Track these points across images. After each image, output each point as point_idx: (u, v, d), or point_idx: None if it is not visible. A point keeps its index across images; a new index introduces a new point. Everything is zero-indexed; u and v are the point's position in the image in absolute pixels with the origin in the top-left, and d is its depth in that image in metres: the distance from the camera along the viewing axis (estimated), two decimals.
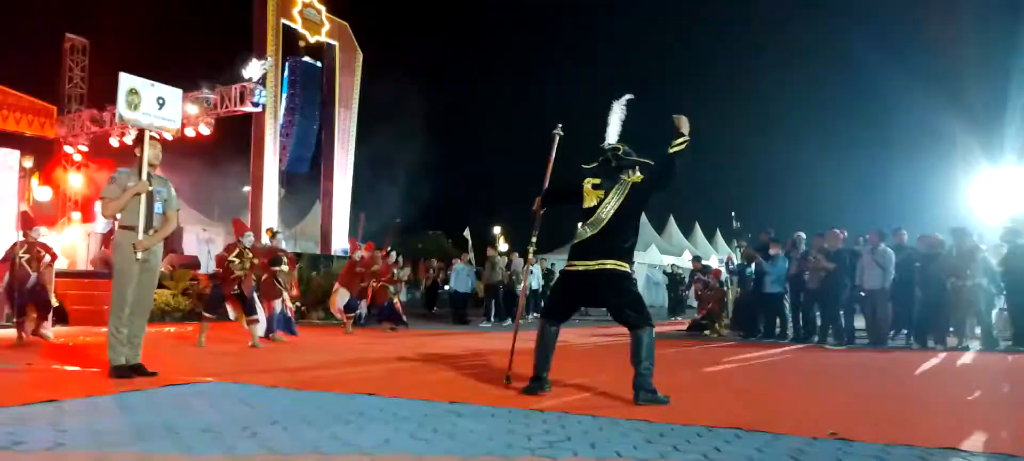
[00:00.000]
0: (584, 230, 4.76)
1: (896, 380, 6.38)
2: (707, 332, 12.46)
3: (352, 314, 11.69)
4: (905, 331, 10.67)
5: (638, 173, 4.83)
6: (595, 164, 4.90)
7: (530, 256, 5.64)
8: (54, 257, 9.29)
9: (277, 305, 9.66)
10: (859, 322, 10.83)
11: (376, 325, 12.60)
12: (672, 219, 35.45)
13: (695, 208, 37.30)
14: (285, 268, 10.02)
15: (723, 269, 14.44)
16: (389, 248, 14.09)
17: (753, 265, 11.77)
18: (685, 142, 4.64)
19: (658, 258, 29.32)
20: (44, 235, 8.97)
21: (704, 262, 17.37)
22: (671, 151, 4.66)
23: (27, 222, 8.87)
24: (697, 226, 35.76)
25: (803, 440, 3.41)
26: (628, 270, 4.82)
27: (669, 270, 21.48)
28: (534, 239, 5.46)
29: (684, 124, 4.66)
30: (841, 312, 10.57)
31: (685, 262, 20.75)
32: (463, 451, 3.10)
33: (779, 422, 3.87)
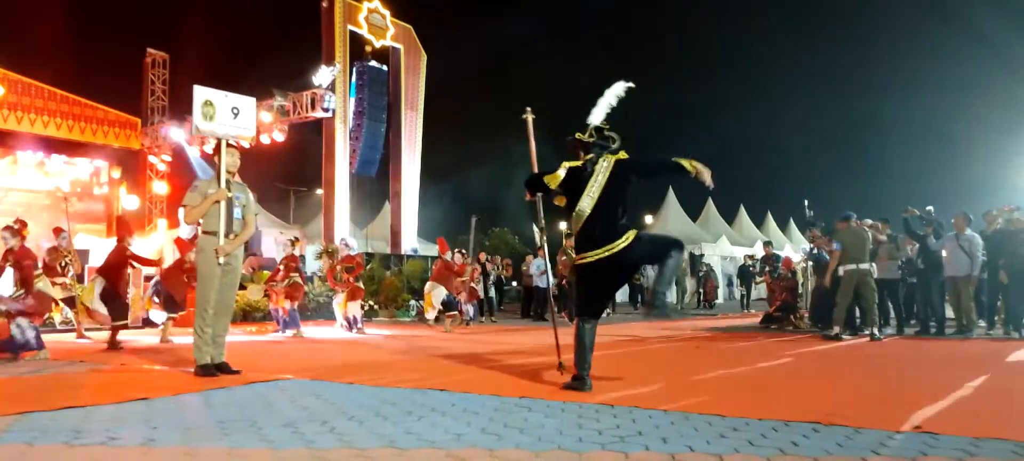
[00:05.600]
0: (578, 215, 4.70)
1: (983, 370, 6.07)
2: (780, 324, 12.12)
3: (453, 312, 11.90)
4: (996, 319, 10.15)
5: (621, 151, 4.78)
6: (580, 144, 4.87)
7: (542, 248, 6.00)
8: (148, 263, 9.86)
9: (287, 304, 10.74)
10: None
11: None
12: (743, 209, 34.68)
13: (767, 197, 36.42)
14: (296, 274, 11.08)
15: (796, 257, 13.99)
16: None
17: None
18: (688, 172, 4.60)
19: (730, 250, 28.70)
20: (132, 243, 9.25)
21: (775, 252, 16.84)
22: (675, 159, 4.63)
23: (124, 229, 9.10)
24: (769, 215, 34.91)
25: (885, 434, 3.30)
26: (635, 233, 4.76)
27: (744, 262, 20.97)
28: (541, 227, 5.56)
29: (703, 174, 4.60)
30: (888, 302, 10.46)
31: (759, 252, 20.14)
32: (533, 445, 3.12)
33: (859, 416, 3.74)
